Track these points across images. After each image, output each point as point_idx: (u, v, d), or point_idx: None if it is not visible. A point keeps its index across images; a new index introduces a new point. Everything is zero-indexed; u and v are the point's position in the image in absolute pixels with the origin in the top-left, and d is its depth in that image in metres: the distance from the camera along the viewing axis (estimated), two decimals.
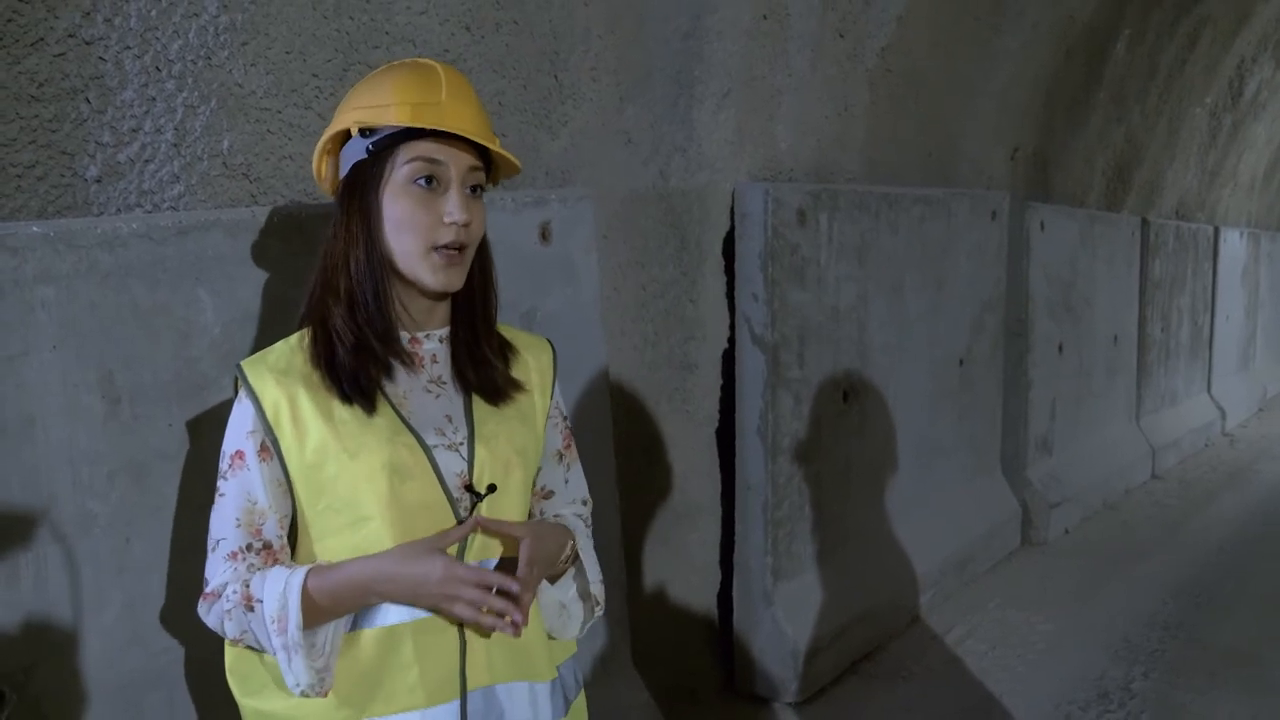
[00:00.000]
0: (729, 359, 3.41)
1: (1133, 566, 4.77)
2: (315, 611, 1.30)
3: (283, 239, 1.97)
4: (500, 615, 1.32)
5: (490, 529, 1.38)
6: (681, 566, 3.34)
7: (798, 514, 3.46)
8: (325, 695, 1.35)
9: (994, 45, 4.58)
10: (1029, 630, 3.99)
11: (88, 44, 1.80)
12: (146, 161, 1.92)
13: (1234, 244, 8.28)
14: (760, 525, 3.34)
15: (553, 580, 1.50)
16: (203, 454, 1.85)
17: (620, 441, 2.94)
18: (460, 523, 1.38)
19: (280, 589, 1.30)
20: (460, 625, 1.38)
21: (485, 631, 1.39)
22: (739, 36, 3.22)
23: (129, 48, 1.86)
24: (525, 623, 1.33)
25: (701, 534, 3.41)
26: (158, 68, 1.90)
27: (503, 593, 1.32)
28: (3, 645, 1.63)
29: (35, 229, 1.67)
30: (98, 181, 1.86)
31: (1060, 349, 5.34)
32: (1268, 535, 5.32)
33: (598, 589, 1.54)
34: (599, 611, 1.56)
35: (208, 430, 1.86)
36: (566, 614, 1.52)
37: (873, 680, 3.57)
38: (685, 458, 3.32)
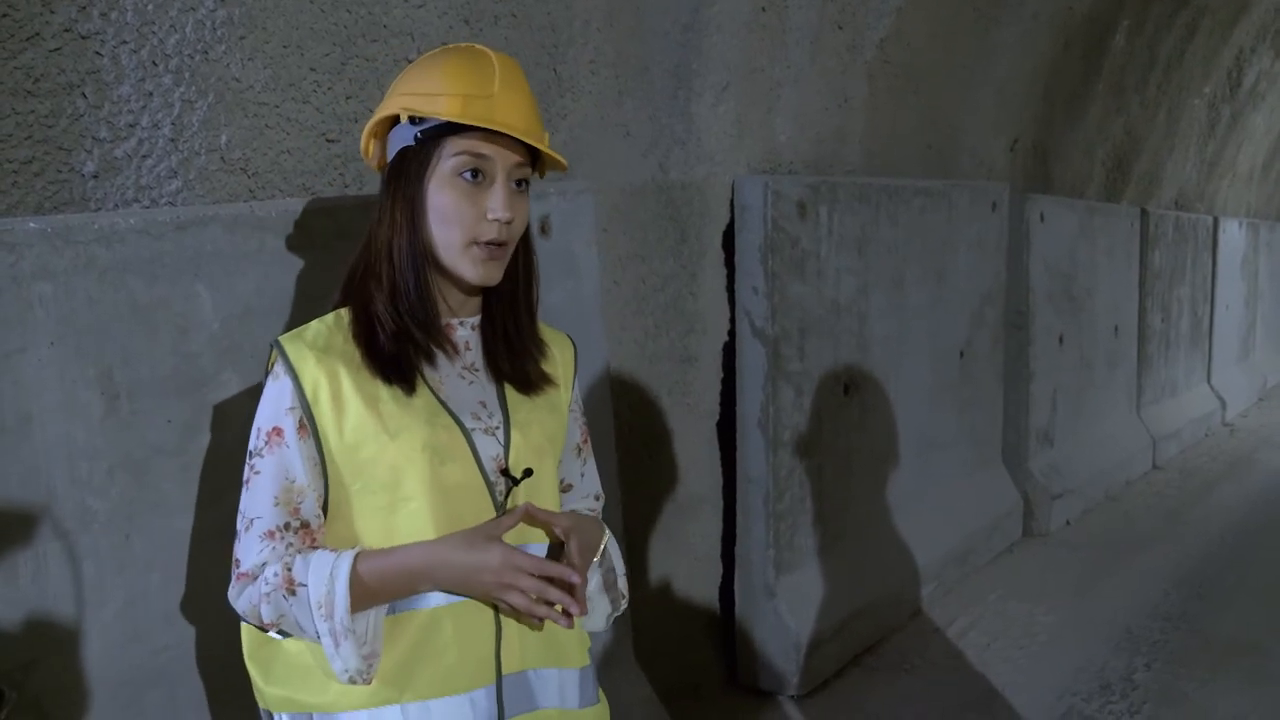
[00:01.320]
0: (729, 352, 3.40)
1: (1134, 557, 4.77)
2: (363, 596, 1.29)
3: (281, 234, 1.96)
4: (551, 604, 1.32)
5: (539, 518, 1.38)
6: (683, 560, 3.33)
7: (799, 507, 3.45)
8: (370, 683, 1.33)
9: (993, 36, 4.57)
10: (1031, 622, 3.99)
11: (84, 39, 1.79)
12: (144, 157, 1.91)
13: (1233, 234, 8.27)
14: (762, 518, 3.33)
15: None
16: (202, 449, 1.85)
17: (621, 435, 2.94)
18: (500, 507, 1.38)
19: (327, 573, 1.28)
20: (495, 609, 1.38)
21: (521, 616, 1.38)
22: (738, 29, 3.21)
23: (125, 42, 1.85)
24: (584, 613, 1.33)
25: (703, 527, 3.41)
26: (154, 62, 1.89)
27: (559, 582, 1.32)
28: (2, 643, 1.63)
29: (32, 225, 1.66)
30: (95, 177, 1.85)
31: (1061, 340, 5.34)
32: (1269, 525, 5.32)
33: (623, 582, 1.54)
34: (623, 604, 1.56)
35: (207, 426, 1.85)
36: (592, 606, 1.53)
37: (875, 673, 3.56)
38: (686, 451, 3.31)
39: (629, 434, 3.03)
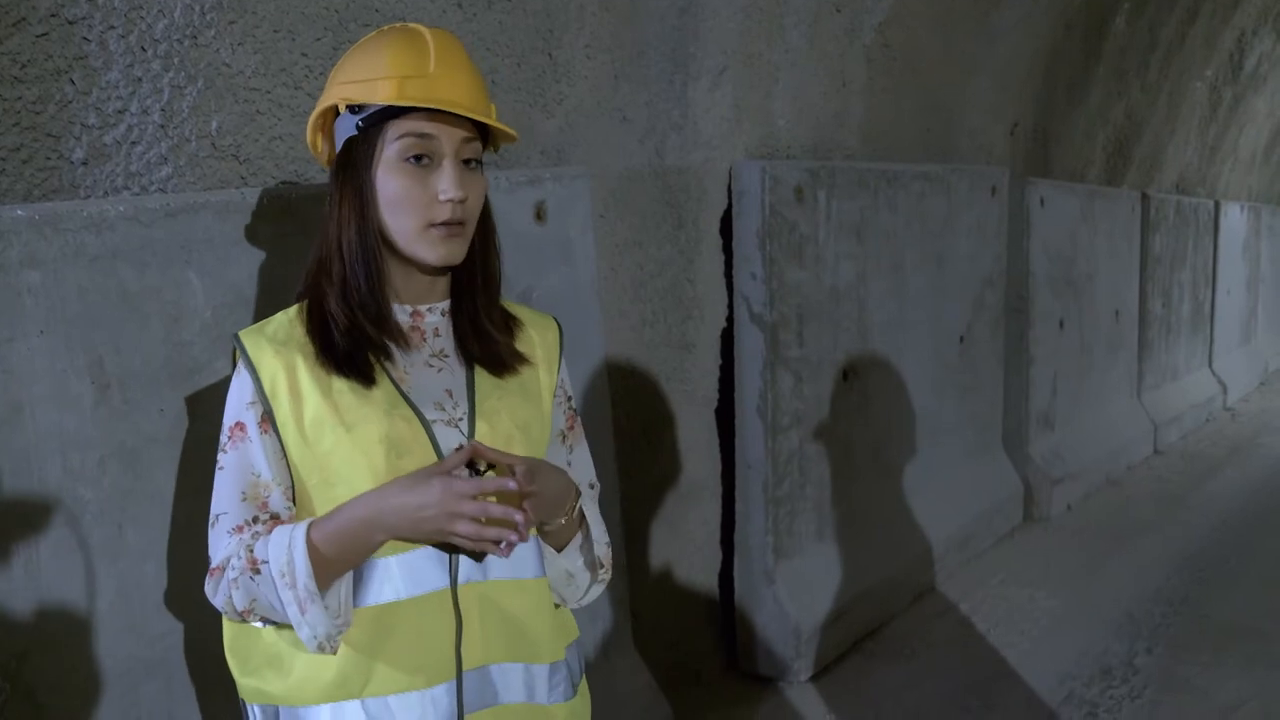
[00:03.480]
0: (728, 338, 3.38)
1: (1135, 542, 4.76)
2: (322, 562, 1.27)
3: (273, 220, 1.94)
4: (499, 540, 1.27)
5: (487, 456, 1.34)
6: (682, 546, 3.33)
7: (798, 493, 3.44)
8: (335, 652, 1.32)
9: (992, 19, 4.54)
10: (1032, 607, 3.99)
11: (71, 24, 1.77)
12: (133, 143, 1.89)
13: (1234, 218, 8.24)
14: (761, 504, 3.32)
15: (560, 548, 1.47)
16: (195, 439, 1.83)
17: (619, 422, 2.92)
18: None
19: (285, 543, 1.27)
20: (456, 605, 1.35)
21: (480, 611, 1.37)
22: (735, 13, 3.19)
23: (113, 27, 1.83)
24: (525, 537, 1.28)
25: (702, 514, 3.40)
26: (143, 47, 1.87)
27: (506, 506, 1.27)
28: None
29: (20, 213, 1.64)
30: (84, 164, 1.83)
31: (1061, 325, 5.32)
32: (1270, 509, 5.31)
33: (602, 550, 1.50)
34: (603, 575, 1.52)
35: (200, 415, 1.84)
36: (574, 582, 1.50)
37: (876, 658, 3.56)
38: (685, 438, 3.30)
39: (627, 421, 3.02)
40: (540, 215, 2.56)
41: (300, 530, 1.28)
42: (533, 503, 1.32)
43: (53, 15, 1.75)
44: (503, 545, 1.28)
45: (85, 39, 1.79)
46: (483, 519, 1.26)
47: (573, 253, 2.66)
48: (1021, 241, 4.91)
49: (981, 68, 4.68)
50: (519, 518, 1.26)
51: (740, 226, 3.29)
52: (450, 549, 1.35)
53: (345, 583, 1.32)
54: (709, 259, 3.32)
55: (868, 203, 3.73)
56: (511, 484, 1.28)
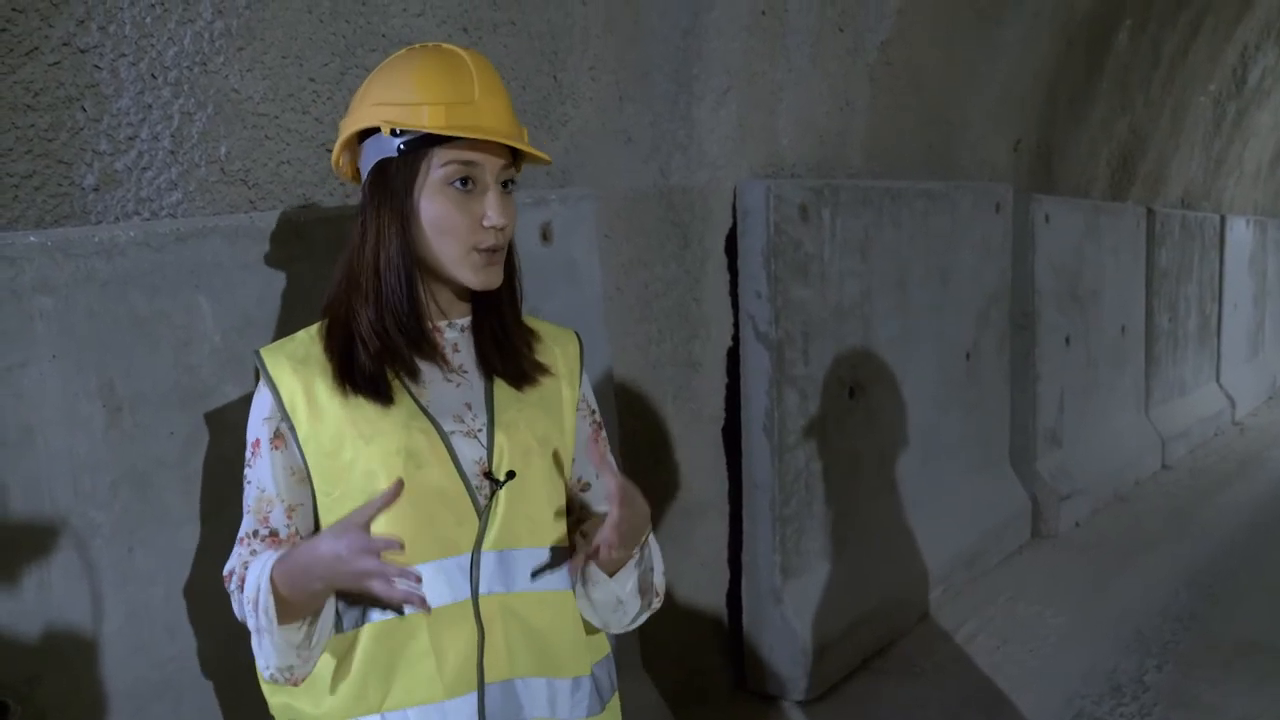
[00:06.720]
0: (734, 357, 3.39)
1: (1144, 558, 4.75)
2: (283, 600, 1.28)
3: (282, 244, 1.96)
4: (409, 600, 1.26)
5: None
6: (690, 565, 3.33)
7: (805, 511, 3.45)
8: (297, 684, 1.34)
9: (994, 36, 4.56)
10: (1040, 624, 3.97)
11: (83, 52, 1.80)
12: (144, 169, 1.91)
13: (1240, 232, 8.24)
14: (768, 523, 3.32)
15: (612, 573, 1.45)
16: (205, 462, 1.85)
17: (626, 441, 2.93)
18: (483, 511, 1.35)
19: (258, 572, 1.29)
20: (477, 616, 1.35)
21: (503, 622, 1.37)
22: (738, 33, 3.21)
23: (124, 55, 1.85)
24: (428, 608, 1.27)
25: (709, 532, 3.40)
26: (153, 75, 1.89)
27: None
28: (6, 656, 1.63)
29: (32, 239, 1.66)
30: (95, 190, 1.85)
31: (1067, 341, 5.32)
32: (1279, 523, 5.29)
33: (659, 578, 1.49)
34: (657, 603, 1.50)
35: (210, 438, 1.86)
36: (622, 608, 1.48)
37: (883, 677, 3.55)
38: (691, 456, 3.30)
39: (633, 440, 3.03)
40: (546, 236, 2.57)
41: (269, 563, 1.29)
42: (618, 529, 1.32)
43: (65, 44, 1.77)
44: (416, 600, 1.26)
45: (97, 67, 1.82)
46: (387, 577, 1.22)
47: (578, 273, 2.67)
48: (1026, 257, 4.92)
49: (984, 84, 4.70)
50: (419, 594, 1.24)
51: (745, 245, 3.30)
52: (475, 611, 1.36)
53: (324, 621, 1.32)
54: (714, 278, 3.33)
55: (872, 220, 3.74)
56: (395, 543, 1.23)
